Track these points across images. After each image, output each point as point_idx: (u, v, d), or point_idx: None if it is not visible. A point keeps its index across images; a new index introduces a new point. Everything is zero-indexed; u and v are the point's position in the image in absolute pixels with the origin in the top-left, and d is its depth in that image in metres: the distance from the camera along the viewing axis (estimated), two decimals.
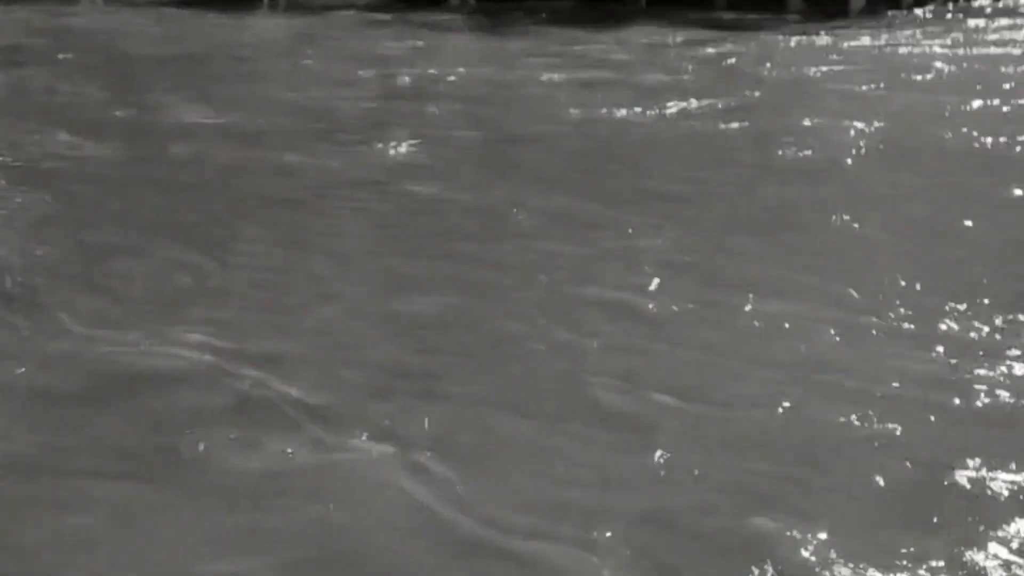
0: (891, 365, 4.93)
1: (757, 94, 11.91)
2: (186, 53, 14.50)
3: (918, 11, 19.22)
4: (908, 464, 4.10)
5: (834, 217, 7.20)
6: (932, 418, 4.48)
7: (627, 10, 19.07)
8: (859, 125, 10.11)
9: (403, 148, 9.17)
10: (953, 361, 4.99)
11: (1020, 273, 6.17)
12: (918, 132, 9.95)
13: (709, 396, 4.65)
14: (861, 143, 9.48)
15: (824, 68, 13.61)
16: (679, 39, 16.10)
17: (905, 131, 9.96)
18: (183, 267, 6.16)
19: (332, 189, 7.87)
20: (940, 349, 5.13)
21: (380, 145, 9.24)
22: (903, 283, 5.95)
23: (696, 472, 4.03)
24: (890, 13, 18.91)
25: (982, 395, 4.68)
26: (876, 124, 10.17)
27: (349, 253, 6.47)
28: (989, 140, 9.60)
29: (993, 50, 15.17)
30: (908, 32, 16.96)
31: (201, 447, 4.16)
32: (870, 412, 4.48)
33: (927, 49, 15.19)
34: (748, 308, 5.60)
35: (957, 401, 4.63)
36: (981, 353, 5.08)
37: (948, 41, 16.03)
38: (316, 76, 12.92)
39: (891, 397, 4.64)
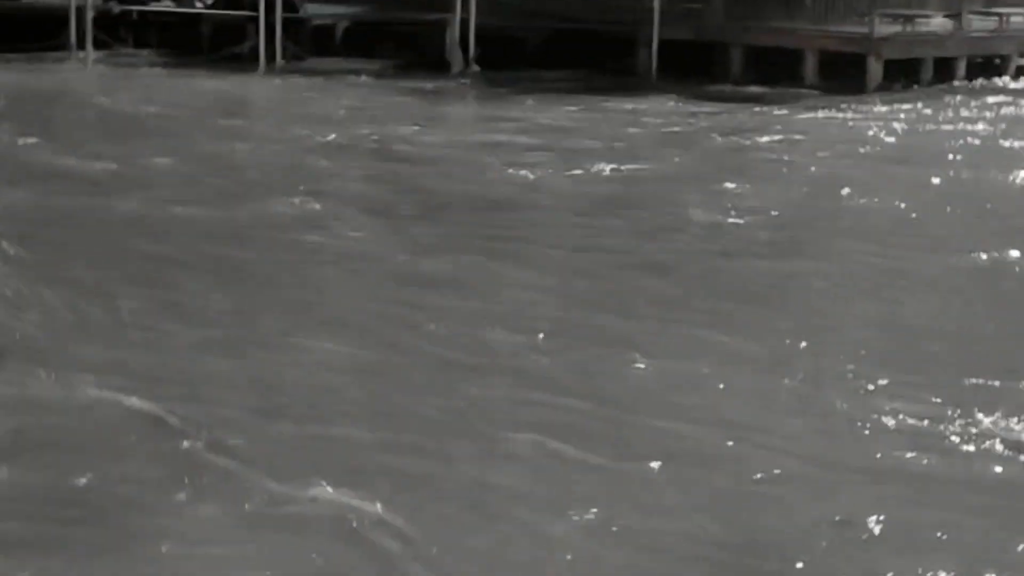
0: None
1: (676, 159, 12.53)
2: (131, 111, 14.84)
3: (941, 86, 18.76)
4: None
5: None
6: None
7: (640, 82, 18.62)
8: (753, 189, 10.76)
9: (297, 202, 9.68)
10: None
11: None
12: (815, 199, 10.58)
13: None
14: (749, 207, 9.99)
15: (768, 138, 14.01)
16: (668, 109, 16.28)
17: (803, 198, 10.58)
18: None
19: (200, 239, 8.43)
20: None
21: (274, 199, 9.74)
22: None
23: None
24: (916, 87, 18.48)
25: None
26: (773, 191, 10.77)
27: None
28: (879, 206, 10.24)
29: (951, 127, 15.33)
30: (905, 106, 16.73)
31: None
32: None
33: (889, 123, 15.41)
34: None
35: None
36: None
37: (914, 116, 16.25)
38: (249, 133, 13.39)
39: None
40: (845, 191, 10.90)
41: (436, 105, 16.45)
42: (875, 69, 18.41)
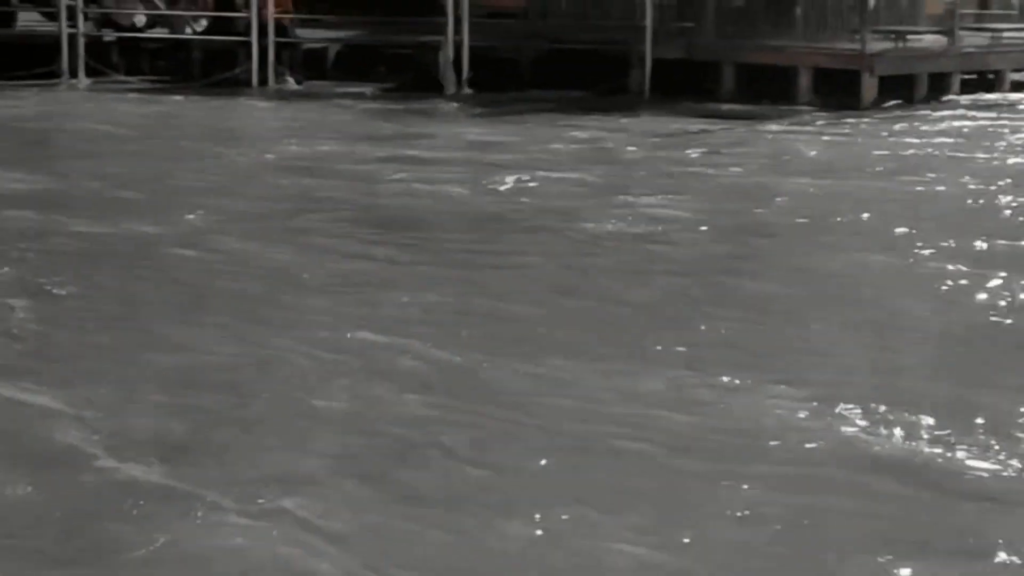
0: None
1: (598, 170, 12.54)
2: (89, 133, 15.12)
3: (936, 101, 18.62)
4: None
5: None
6: None
7: (633, 100, 18.53)
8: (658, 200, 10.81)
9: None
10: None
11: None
12: (717, 209, 10.48)
13: None
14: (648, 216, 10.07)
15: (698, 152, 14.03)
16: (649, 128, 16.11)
17: (707, 208, 10.49)
18: None
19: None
20: None
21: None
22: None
23: None
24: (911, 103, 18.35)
25: None
26: (679, 200, 10.82)
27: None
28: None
29: (894, 139, 15.15)
30: (897, 125, 16.53)
31: None
32: None
33: (861, 137, 15.39)
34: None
35: None
36: None
37: (895, 129, 16.04)
38: (181, 152, 13.53)
39: None
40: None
41: (409, 125, 16.34)
42: (869, 85, 18.27)
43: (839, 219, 10.08)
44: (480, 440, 5.22)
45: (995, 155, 13.79)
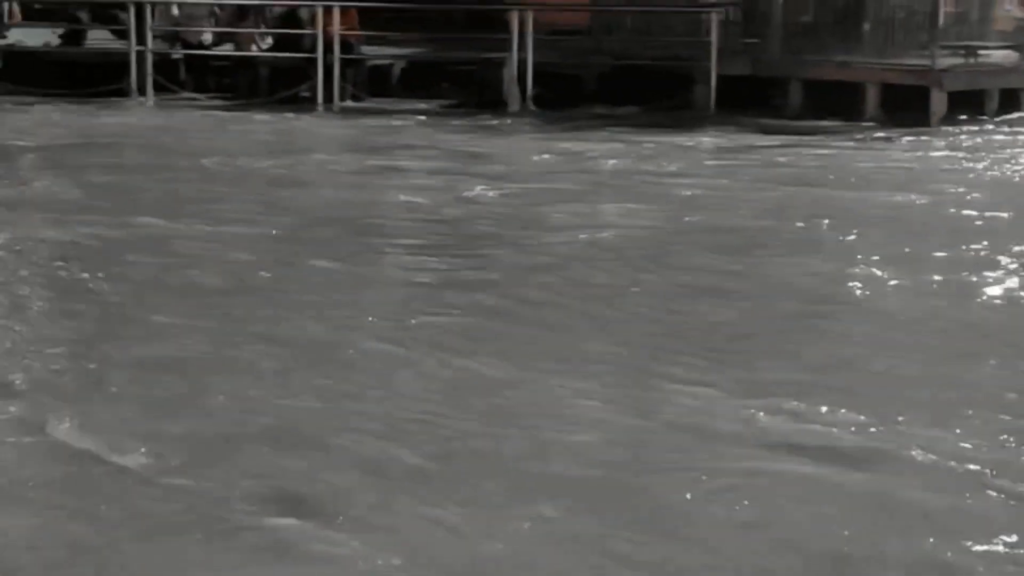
0: None
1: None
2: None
3: (1009, 116, 18.37)
4: None
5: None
6: None
7: (698, 116, 18.44)
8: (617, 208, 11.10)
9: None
10: None
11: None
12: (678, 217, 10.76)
13: None
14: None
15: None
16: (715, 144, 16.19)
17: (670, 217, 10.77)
18: None
19: None
20: None
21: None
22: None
23: None
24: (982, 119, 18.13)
25: None
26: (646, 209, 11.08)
27: None
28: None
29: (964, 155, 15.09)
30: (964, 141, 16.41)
31: None
32: None
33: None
34: None
35: None
36: None
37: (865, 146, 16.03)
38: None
39: None
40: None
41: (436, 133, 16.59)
42: (939, 101, 18.07)
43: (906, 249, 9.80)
44: None
45: None
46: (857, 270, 8.70)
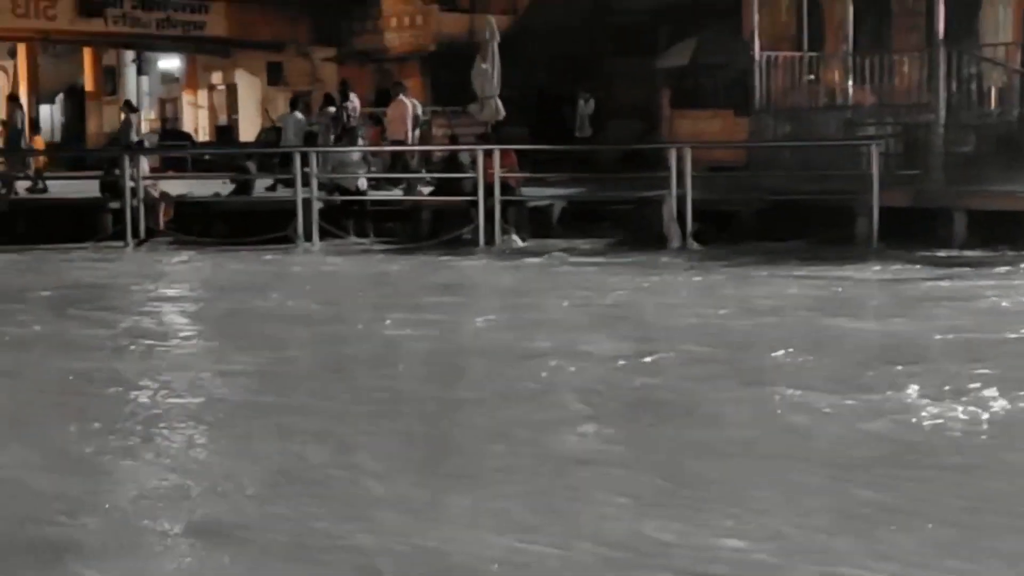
0: None
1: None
2: None
3: None
4: None
5: None
6: None
7: (861, 250, 18.33)
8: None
9: None
10: None
11: None
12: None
13: None
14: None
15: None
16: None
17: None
18: None
19: None
20: None
21: None
22: None
23: None
24: None
25: None
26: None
27: None
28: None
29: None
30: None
31: None
32: None
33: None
34: None
35: None
36: None
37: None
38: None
39: None
40: None
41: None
42: None
43: None
44: None
45: None
46: None
